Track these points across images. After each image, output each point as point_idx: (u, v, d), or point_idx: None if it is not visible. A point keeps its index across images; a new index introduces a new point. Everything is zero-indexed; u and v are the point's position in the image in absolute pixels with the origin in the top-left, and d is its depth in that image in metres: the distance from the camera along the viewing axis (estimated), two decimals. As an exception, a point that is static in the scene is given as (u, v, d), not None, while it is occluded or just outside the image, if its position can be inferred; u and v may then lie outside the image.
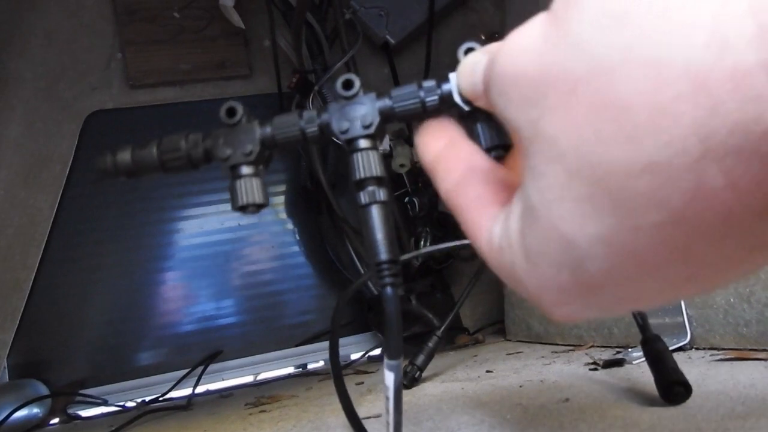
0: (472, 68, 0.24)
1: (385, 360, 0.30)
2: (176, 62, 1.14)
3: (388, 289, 0.28)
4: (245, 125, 0.29)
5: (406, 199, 1.10)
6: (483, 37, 1.18)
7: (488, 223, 0.23)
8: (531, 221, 0.20)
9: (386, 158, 1.09)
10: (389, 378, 0.31)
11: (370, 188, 0.28)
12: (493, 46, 0.24)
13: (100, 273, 1.07)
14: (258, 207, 0.30)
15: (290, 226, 1.17)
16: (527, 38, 0.19)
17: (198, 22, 1.15)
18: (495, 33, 1.16)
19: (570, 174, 0.17)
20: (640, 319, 0.53)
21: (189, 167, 0.30)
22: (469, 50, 0.26)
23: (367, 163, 0.28)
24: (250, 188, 0.29)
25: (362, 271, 1.07)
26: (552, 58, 0.18)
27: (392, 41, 1.16)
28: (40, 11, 1.09)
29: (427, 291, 1.06)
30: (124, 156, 0.30)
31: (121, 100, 1.12)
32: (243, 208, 0.30)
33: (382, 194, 0.28)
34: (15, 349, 1.00)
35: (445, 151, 0.26)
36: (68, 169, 1.07)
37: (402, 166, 1.02)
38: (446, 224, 1.04)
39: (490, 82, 0.21)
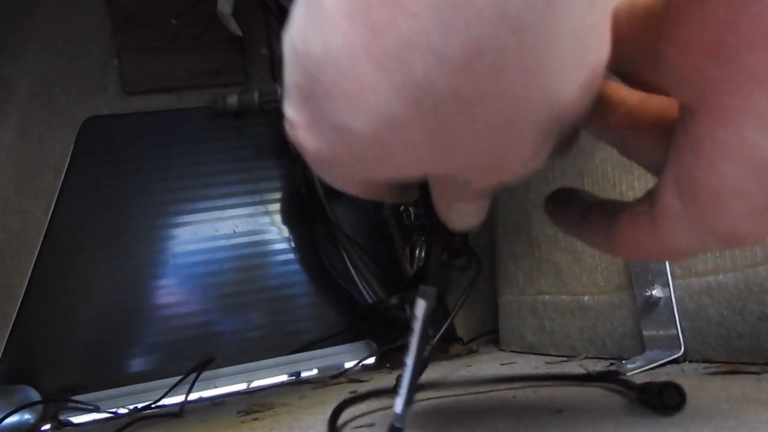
0: None
1: (421, 286, 0.29)
2: (172, 69, 1.14)
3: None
4: None
5: (401, 208, 1.10)
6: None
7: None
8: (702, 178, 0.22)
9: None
10: (420, 306, 0.29)
11: None
12: None
13: (94, 279, 1.07)
14: None
15: (285, 233, 1.17)
16: None
17: (195, 29, 1.15)
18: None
19: None
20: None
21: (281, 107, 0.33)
22: None
23: None
24: None
25: (356, 280, 1.07)
26: None
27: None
28: (36, 16, 1.09)
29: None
30: (232, 99, 0.34)
31: (117, 106, 1.12)
32: None
33: None
34: (6, 355, 1.00)
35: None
36: (62, 175, 1.06)
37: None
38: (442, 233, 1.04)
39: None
